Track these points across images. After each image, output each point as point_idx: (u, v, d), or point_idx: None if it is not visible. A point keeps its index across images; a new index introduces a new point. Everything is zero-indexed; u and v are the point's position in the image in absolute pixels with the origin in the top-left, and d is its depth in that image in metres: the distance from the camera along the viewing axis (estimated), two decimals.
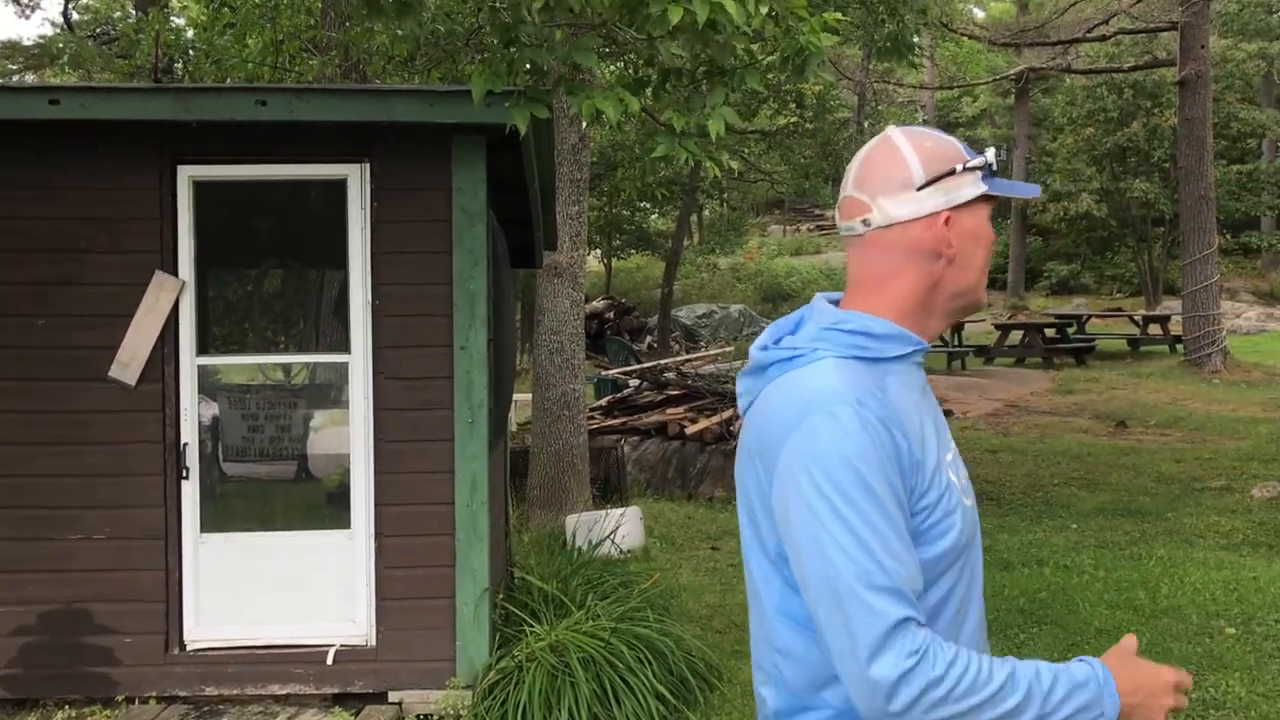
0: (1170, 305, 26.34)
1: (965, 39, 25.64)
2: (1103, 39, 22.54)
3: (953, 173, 1.61)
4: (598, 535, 7.66)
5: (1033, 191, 1.73)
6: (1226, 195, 32.09)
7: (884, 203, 1.60)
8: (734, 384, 12.18)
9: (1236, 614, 6.16)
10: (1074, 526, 8.91)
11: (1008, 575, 7.21)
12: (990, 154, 1.64)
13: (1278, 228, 35.65)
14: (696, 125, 4.02)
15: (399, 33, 8.69)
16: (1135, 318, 23.48)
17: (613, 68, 7.21)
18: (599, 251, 34.49)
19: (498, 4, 4.34)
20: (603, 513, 8.41)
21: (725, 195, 42.27)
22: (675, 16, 3.46)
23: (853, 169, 1.66)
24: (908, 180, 1.60)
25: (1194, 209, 19.25)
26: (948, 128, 45.83)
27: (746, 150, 30.53)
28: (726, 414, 11.14)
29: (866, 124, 30.09)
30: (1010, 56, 32.95)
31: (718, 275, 35.26)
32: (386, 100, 4.93)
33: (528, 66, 4.27)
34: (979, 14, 41.53)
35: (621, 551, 8.01)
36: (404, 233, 5.08)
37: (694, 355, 12.53)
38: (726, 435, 10.91)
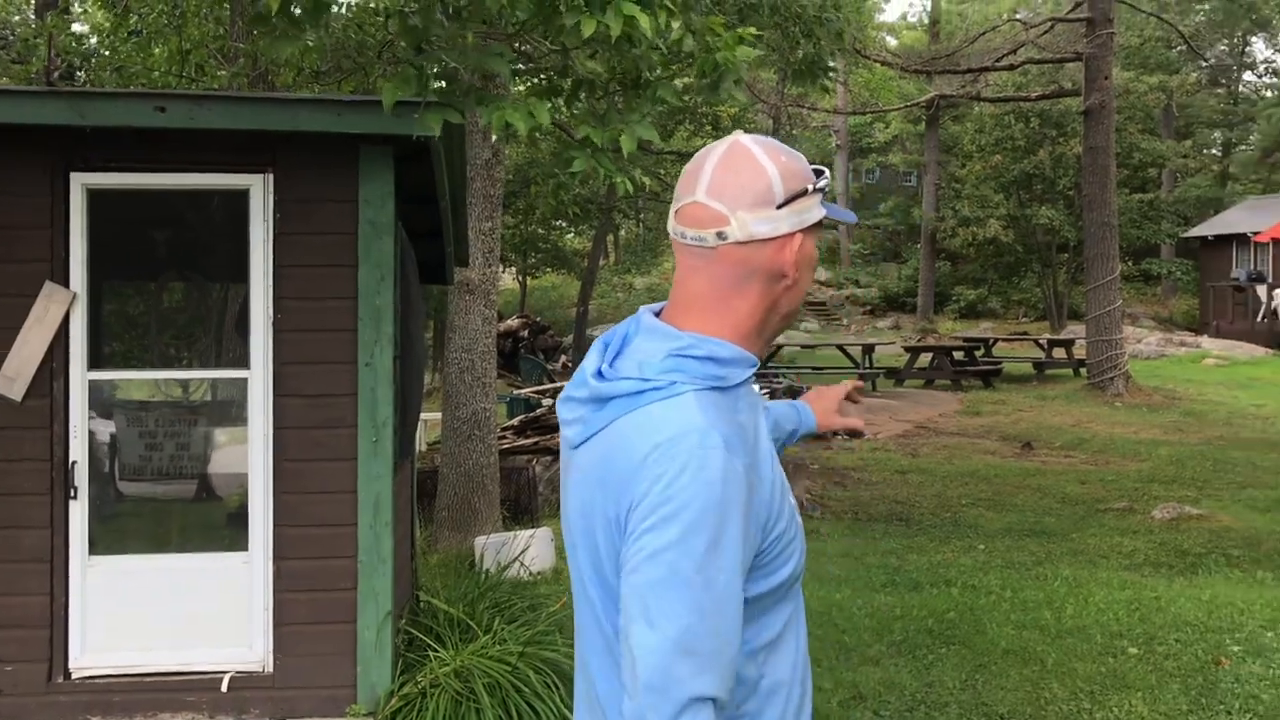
0: (1074, 330, 26.98)
1: (878, 65, 26.06)
2: (1011, 68, 23.08)
3: (805, 192, 1.53)
4: (507, 557, 7.54)
5: (851, 218, 1.70)
6: (1128, 223, 33.01)
7: (745, 217, 1.50)
8: None
9: (1139, 634, 6.24)
10: (981, 547, 9.01)
11: (916, 596, 7.25)
12: (828, 176, 1.58)
13: (1177, 255, 36.78)
14: (610, 140, 3.95)
15: (309, 43, 8.53)
16: (1040, 341, 23.98)
17: (528, 81, 7.15)
18: (514, 269, 34.35)
19: (407, 9, 4.23)
20: (512, 534, 8.30)
21: (641, 215, 42.37)
22: (589, 29, 3.40)
23: (702, 173, 1.53)
24: (768, 196, 1.51)
25: (1097, 236, 19.74)
26: (861, 153, 46.60)
27: (663, 171, 30.67)
28: None
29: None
30: (922, 84, 33.60)
31: (634, 295, 35.33)
32: (292, 109, 4.79)
33: (437, 71, 4.17)
34: (892, 42, 42.33)
35: (531, 574, 7.90)
36: (308, 245, 4.94)
37: None
38: None
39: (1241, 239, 31.67)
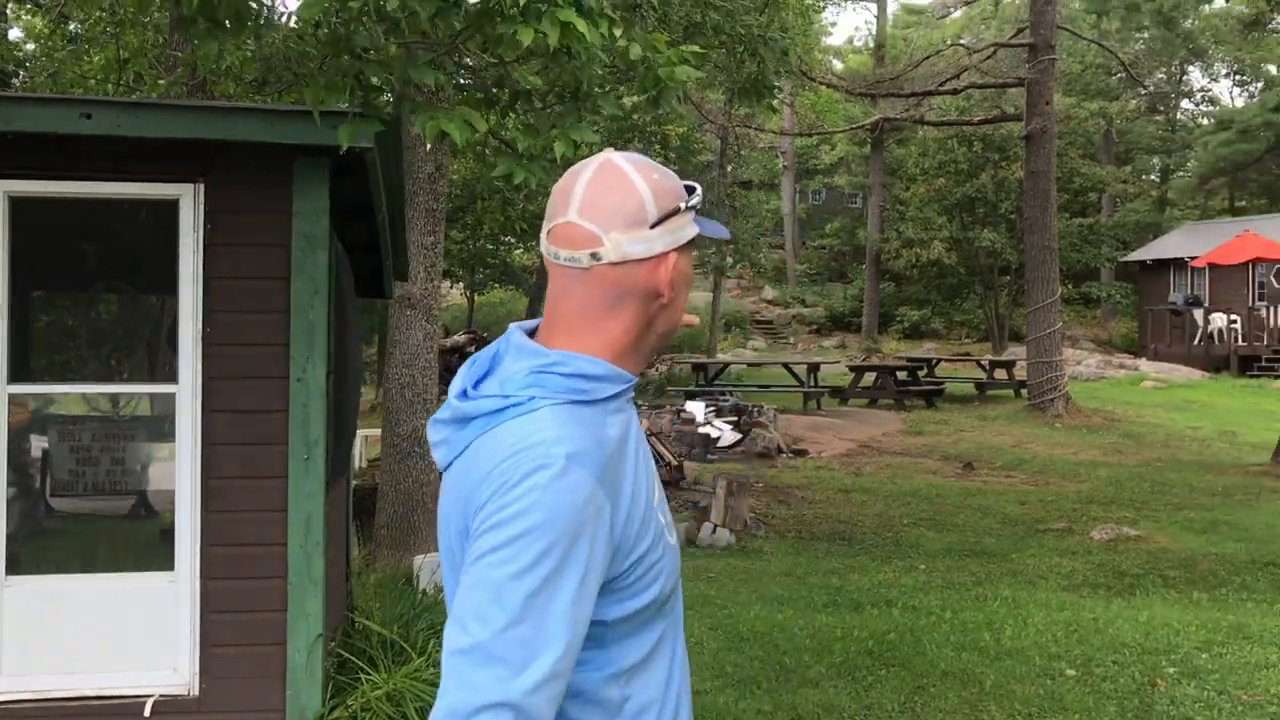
0: (1015, 351, 27.30)
1: (824, 88, 26.27)
2: (954, 92, 23.36)
3: (678, 210, 1.51)
4: None
5: (724, 233, 1.64)
6: (1069, 247, 33.49)
7: (618, 238, 1.47)
8: None
9: (1077, 655, 6.26)
10: (922, 567, 9.02)
11: (857, 616, 7.22)
12: (700, 192, 1.55)
13: (1116, 279, 37.38)
14: (542, 147, 3.89)
15: (248, 54, 8.41)
16: (982, 362, 24.23)
17: (471, 94, 7.10)
18: (461, 285, 34.14)
19: (335, 18, 4.15)
20: None
21: None
22: (526, 38, 3.34)
23: (574, 193, 1.50)
24: (641, 215, 1.48)
25: (1038, 259, 19.98)
26: (807, 174, 46.94)
27: None
28: None
29: (730, 168, 30.53)
30: (867, 107, 33.94)
31: None
32: (225, 118, 4.68)
33: (368, 82, 4.08)
34: (838, 65, 42.74)
35: None
36: (240, 257, 4.82)
37: None
38: None
39: (1179, 264, 32.27)
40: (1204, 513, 11.56)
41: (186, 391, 4.81)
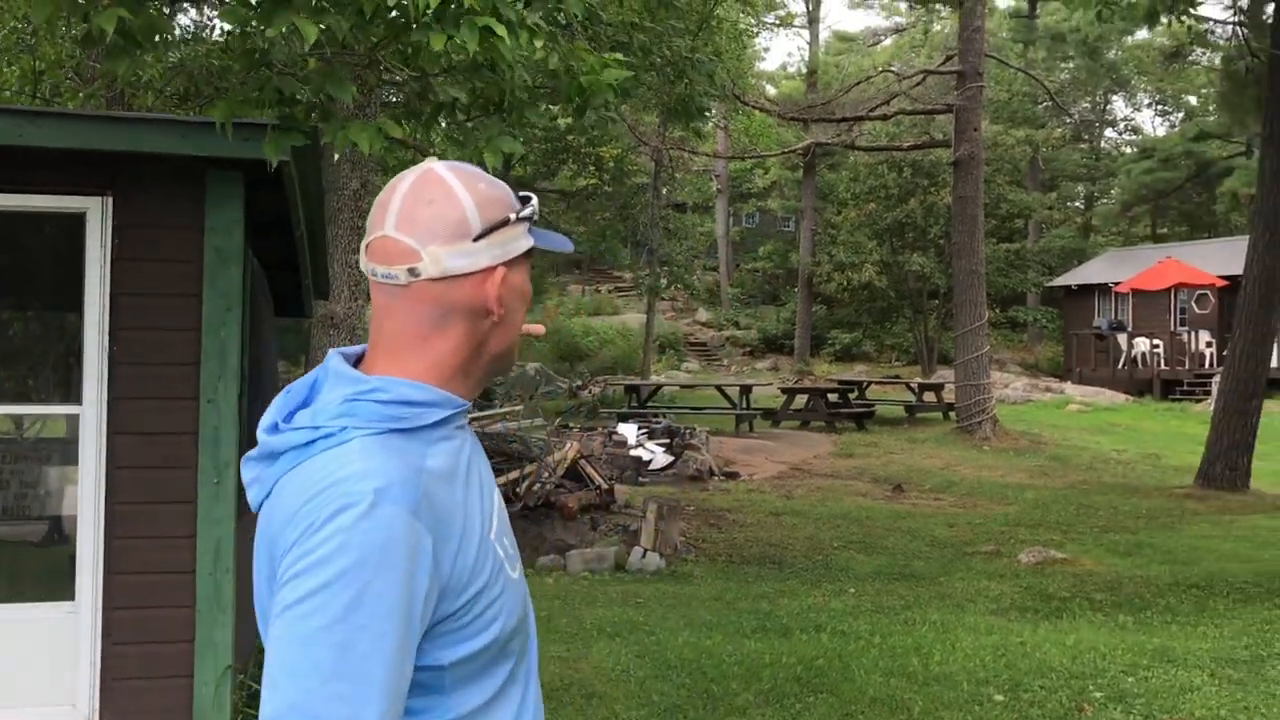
0: (944, 374, 27.60)
1: (757, 112, 26.44)
2: (884, 118, 23.62)
3: (507, 222, 1.40)
4: None
5: (566, 245, 1.55)
6: (996, 272, 33.98)
7: (437, 251, 1.36)
8: (523, 443, 11.86)
9: (1004, 680, 6.23)
10: (852, 590, 8.98)
11: (786, 642, 7.15)
12: (535, 203, 1.45)
13: (1042, 304, 38.02)
14: (469, 158, 3.78)
15: (168, 66, 8.20)
16: (912, 385, 24.43)
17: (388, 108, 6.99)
18: None
19: (248, 29, 4.01)
20: None
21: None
22: (438, 43, 3.23)
23: (391, 205, 1.39)
24: (463, 228, 1.37)
25: (966, 283, 20.21)
26: (741, 198, 47.25)
27: (545, 209, 30.58)
28: (512, 475, 10.85)
29: (664, 190, 30.59)
30: (799, 131, 34.23)
31: None
32: (134, 129, 4.51)
33: (288, 95, 3.95)
34: (771, 90, 43.10)
35: None
36: (149, 273, 4.64)
37: (480, 414, 12.22)
38: (512, 497, 10.62)
39: (1103, 289, 32.90)
40: (1129, 535, 11.69)
41: (91, 412, 4.62)
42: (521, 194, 1.45)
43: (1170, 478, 16.16)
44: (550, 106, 6.09)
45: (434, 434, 1.36)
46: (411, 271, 1.36)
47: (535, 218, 1.45)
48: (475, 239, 1.38)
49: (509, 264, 1.41)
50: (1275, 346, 27.80)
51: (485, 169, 3.99)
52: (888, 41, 47.06)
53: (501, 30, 3.29)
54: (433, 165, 1.42)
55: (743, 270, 45.44)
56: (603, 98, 3.83)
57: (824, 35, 48.32)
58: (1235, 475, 14.63)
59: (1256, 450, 15.13)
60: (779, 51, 60.69)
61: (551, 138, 25.73)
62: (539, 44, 3.48)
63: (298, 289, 6.64)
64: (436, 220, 1.37)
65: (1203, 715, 5.71)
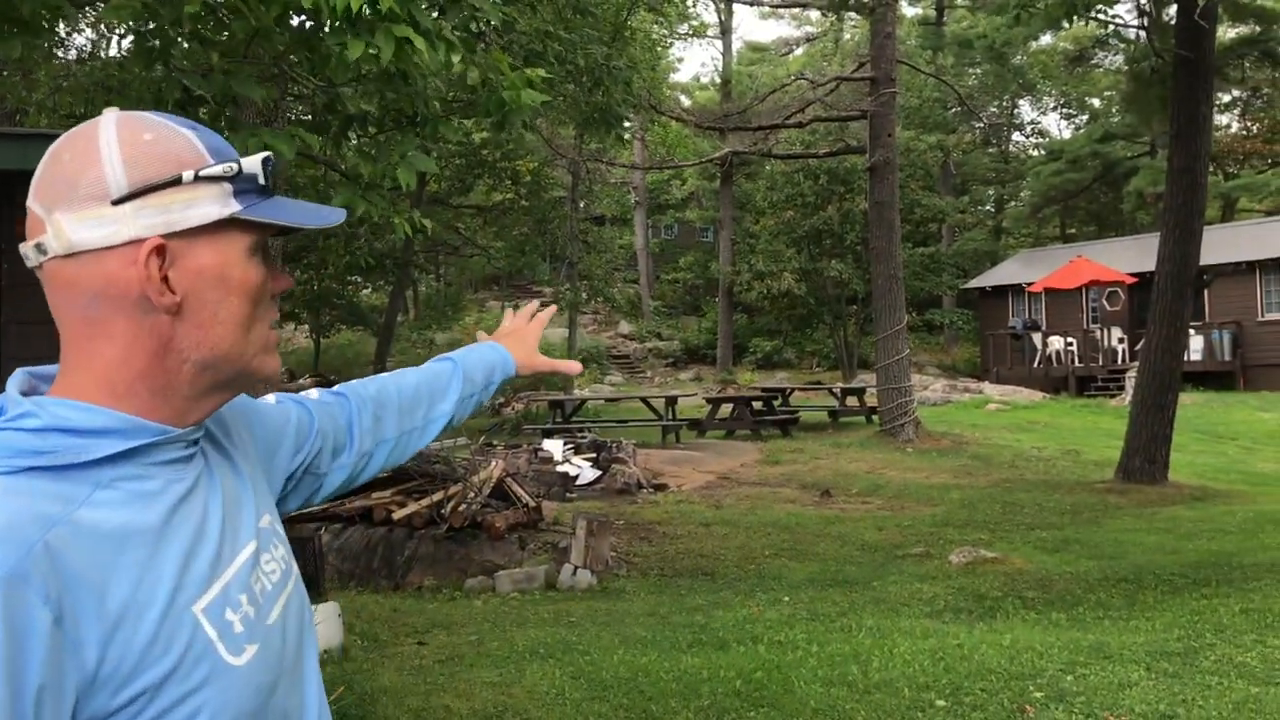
0: (865, 378, 27.83)
1: (674, 122, 26.46)
2: (799, 126, 23.75)
3: (177, 182, 1.06)
4: None
5: (317, 220, 1.17)
6: (912, 275, 34.37)
7: (60, 220, 1.03)
8: (447, 464, 11.57)
9: (945, 685, 6.17)
10: (786, 599, 8.90)
11: (724, 655, 7.03)
12: (254, 161, 1.11)
13: (958, 306, 38.60)
14: (382, 175, 3.59)
15: (63, 84, 7.90)
16: (834, 390, 24.57)
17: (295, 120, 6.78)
18: (306, 327, 33.17)
19: (145, 30, 3.79)
20: None
21: (441, 270, 41.77)
22: (355, 51, 3.05)
23: (39, 167, 1.08)
24: (98, 188, 1.04)
25: (885, 287, 20.37)
26: (660, 209, 47.32)
27: (462, 225, 30.28)
28: (436, 496, 10.61)
29: (582, 203, 30.47)
30: (716, 141, 34.38)
31: (434, 350, 34.63)
32: (19, 145, 4.26)
33: (186, 94, 3.74)
34: (686, 101, 43.25)
35: (319, 653, 7.33)
36: (42, 295, 4.38)
37: None
38: (437, 519, 10.38)
39: (1017, 289, 33.48)
40: (1055, 531, 11.79)
41: None
42: (245, 159, 1.12)
43: (1091, 472, 16.39)
44: (464, 121, 5.93)
45: (107, 474, 1.03)
46: (39, 248, 1.06)
47: (240, 176, 1.10)
48: (116, 202, 1.04)
49: (185, 236, 1.07)
50: (1191, 341, 28.57)
51: (398, 186, 3.82)
52: (799, 51, 47.49)
53: (420, 42, 3.10)
54: (105, 114, 1.10)
55: (663, 282, 45.50)
56: (523, 114, 3.67)
57: (736, 46, 48.69)
58: (1154, 468, 14.88)
59: (1174, 442, 15.41)
60: (693, 62, 61.16)
61: (466, 152, 25.48)
62: (456, 58, 3.31)
63: None
64: (65, 180, 1.05)
65: (1143, 711, 5.70)
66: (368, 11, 2.96)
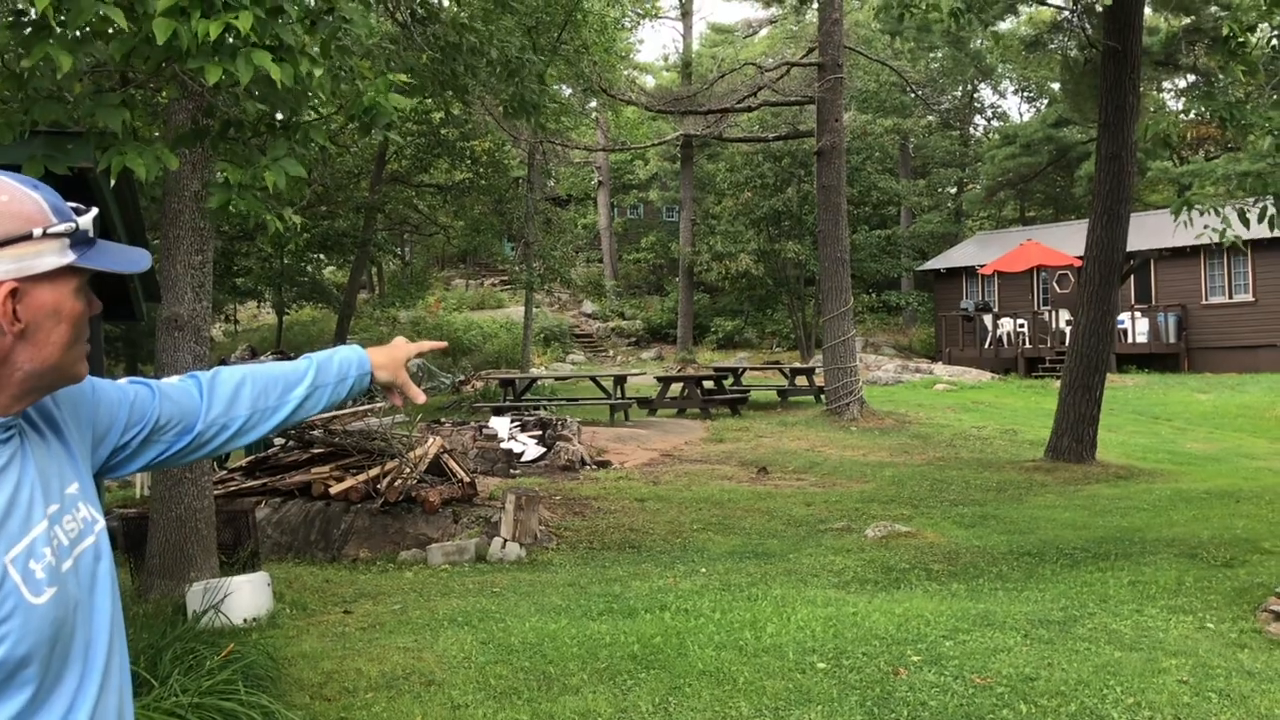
0: (821, 358, 28.25)
1: (626, 105, 26.70)
2: (750, 109, 24.05)
3: (28, 238, 1.43)
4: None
5: (126, 266, 1.56)
6: (869, 257, 34.85)
7: None
8: (385, 440, 11.84)
9: (830, 649, 6.53)
10: (703, 570, 9.25)
11: (630, 622, 7.36)
12: (87, 219, 1.49)
13: (915, 287, 39.05)
14: (253, 178, 3.88)
15: None
16: (785, 370, 24.97)
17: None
18: (270, 303, 33.26)
19: (5, 55, 4.03)
20: (225, 581, 7.99)
21: (403, 248, 41.86)
22: (213, 76, 3.34)
23: None
24: None
25: (832, 270, 20.74)
26: (623, 189, 47.51)
27: (423, 203, 30.43)
28: (373, 471, 10.91)
29: (551, 182, 30.67)
30: (674, 123, 34.63)
31: (397, 328, 34.81)
32: None
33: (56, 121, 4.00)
34: (650, 81, 43.40)
35: (246, 620, 7.63)
36: None
37: (343, 411, 12.22)
38: (373, 494, 10.68)
39: (970, 271, 33.95)
40: (976, 508, 12.20)
41: None
42: (72, 208, 1.48)
43: (1025, 451, 16.84)
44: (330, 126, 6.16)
45: None
46: None
47: (77, 233, 1.46)
48: None
49: (32, 280, 1.43)
50: (1137, 324, 29.04)
51: (266, 187, 4.09)
52: (764, 33, 47.70)
53: (275, 71, 3.40)
54: None
55: (626, 262, 45.74)
56: (389, 117, 3.98)
57: (700, 28, 48.89)
58: (1081, 447, 15.35)
59: (1107, 422, 15.87)
60: (658, 43, 61.24)
61: (425, 131, 25.63)
62: (319, 71, 3.60)
63: (123, 293, 6.64)
64: None
65: (1009, 673, 6.07)
66: (229, 39, 3.26)
